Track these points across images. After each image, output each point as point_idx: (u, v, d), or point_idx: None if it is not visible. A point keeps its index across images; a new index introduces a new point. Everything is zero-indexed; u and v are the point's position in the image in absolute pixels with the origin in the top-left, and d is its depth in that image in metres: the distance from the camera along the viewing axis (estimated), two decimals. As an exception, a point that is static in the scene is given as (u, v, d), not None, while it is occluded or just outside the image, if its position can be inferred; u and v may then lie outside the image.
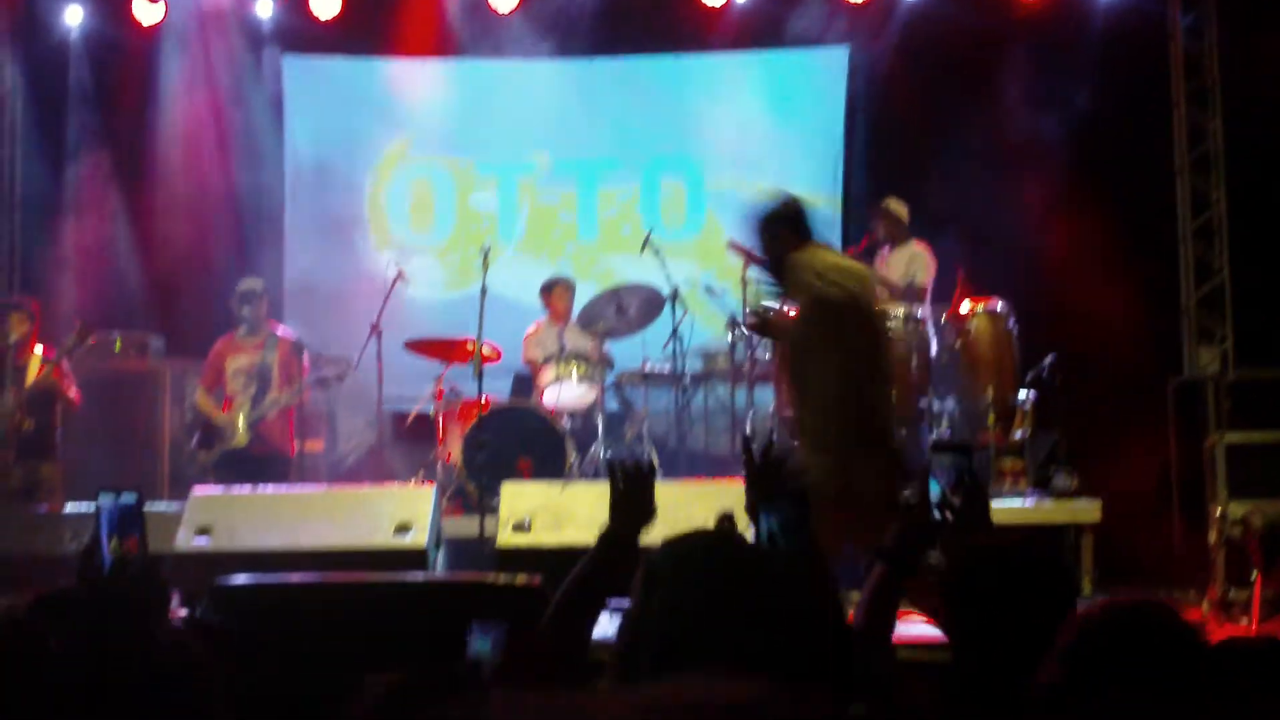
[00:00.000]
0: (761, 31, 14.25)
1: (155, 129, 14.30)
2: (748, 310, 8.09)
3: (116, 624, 3.19)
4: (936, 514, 4.25)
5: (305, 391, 11.83)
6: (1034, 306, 12.04)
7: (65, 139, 14.36)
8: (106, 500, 4.61)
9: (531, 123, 14.80)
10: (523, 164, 14.88)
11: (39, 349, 11.63)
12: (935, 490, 4.27)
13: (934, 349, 11.80)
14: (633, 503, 4.15)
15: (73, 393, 11.64)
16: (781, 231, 8.34)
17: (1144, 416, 12.26)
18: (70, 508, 11.07)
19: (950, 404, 11.83)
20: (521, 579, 6.55)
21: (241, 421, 11.60)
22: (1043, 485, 11.38)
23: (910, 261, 12.12)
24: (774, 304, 8.40)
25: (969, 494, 4.28)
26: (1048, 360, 11.78)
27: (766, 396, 12.21)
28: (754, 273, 11.91)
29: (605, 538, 4.08)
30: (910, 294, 11.93)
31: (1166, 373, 12.53)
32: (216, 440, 11.68)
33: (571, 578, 4.00)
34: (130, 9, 13.90)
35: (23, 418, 11.49)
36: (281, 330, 12.06)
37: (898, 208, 12.27)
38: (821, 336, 8.13)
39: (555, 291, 12.79)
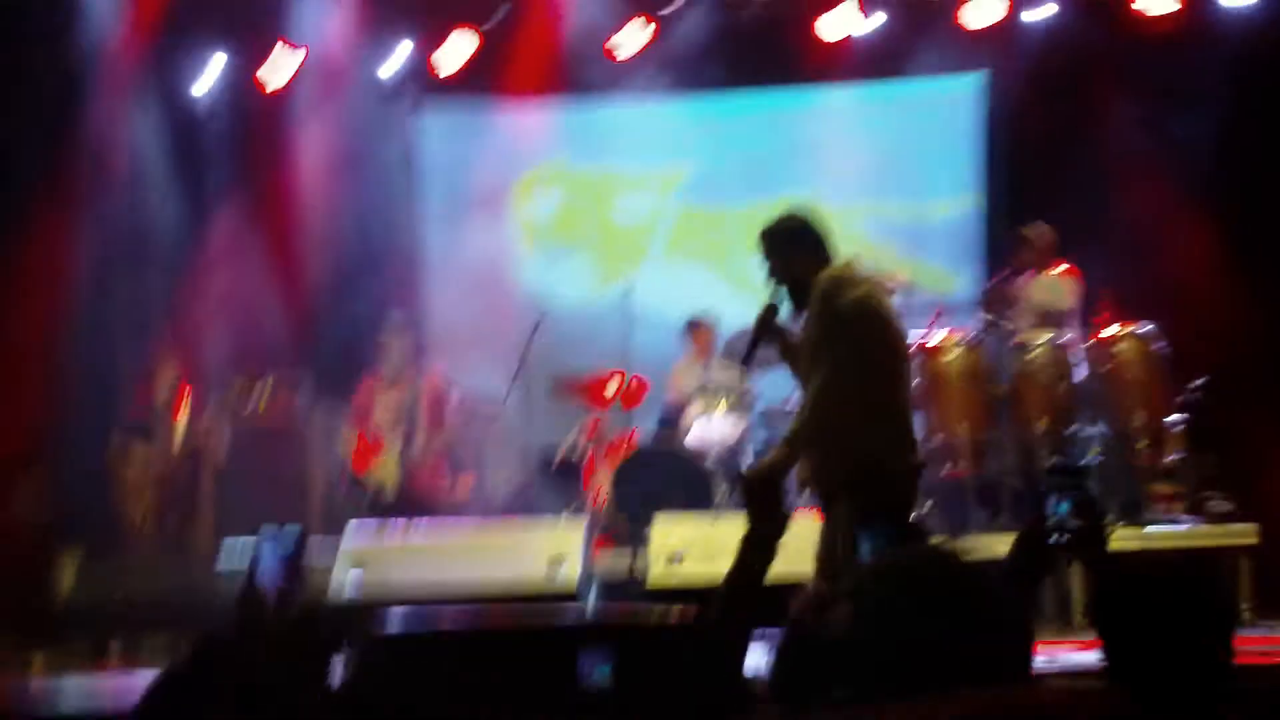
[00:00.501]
0: (891, 62, 14.23)
1: (291, 181, 14.46)
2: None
3: (275, 674, 3.20)
4: (1053, 537, 4.21)
5: (454, 431, 11.90)
6: (1183, 327, 11.86)
7: (204, 190, 14.57)
8: (268, 535, 4.67)
9: (665, 157, 14.92)
10: (663, 197, 14.99)
11: (187, 396, 11.83)
12: (1052, 513, 4.23)
13: (1081, 373, 11.68)
14: (764, 507, 4.16)
15: (221, 451, 11.82)
16: (798, 251, 7.41)
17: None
18: (223, 553, 11.28)
19: (1100, 428, 11.69)
20: (676, 612, 6.56)
21: (393, 463, 11.67)
22: (1197, 509, 11.20)
23: (1054, 286, 12.02)
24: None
25: (1086, 517, 4.23)
26: (1199, 382, 11.61)
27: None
28: (897, 300, 11.90)
29: (746, 539, 4.11)
30: (1055, 319, 11.82)
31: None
32: (364, 480, 11.76)
33: (723, 589, 4.01)
34: (264, 63, 14.13)
35: (175, 470, 11.69)
36: (428, 368, 12.14)
37: (1037, 233, 12.17)
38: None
39: (697, 331, 12.78)
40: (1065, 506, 4.25)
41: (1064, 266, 12.08)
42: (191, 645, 3.53)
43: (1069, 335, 11.72)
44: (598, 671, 4.15)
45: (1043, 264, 12.12)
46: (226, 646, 3.75)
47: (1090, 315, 11.87)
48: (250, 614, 4.52)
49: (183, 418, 11.75)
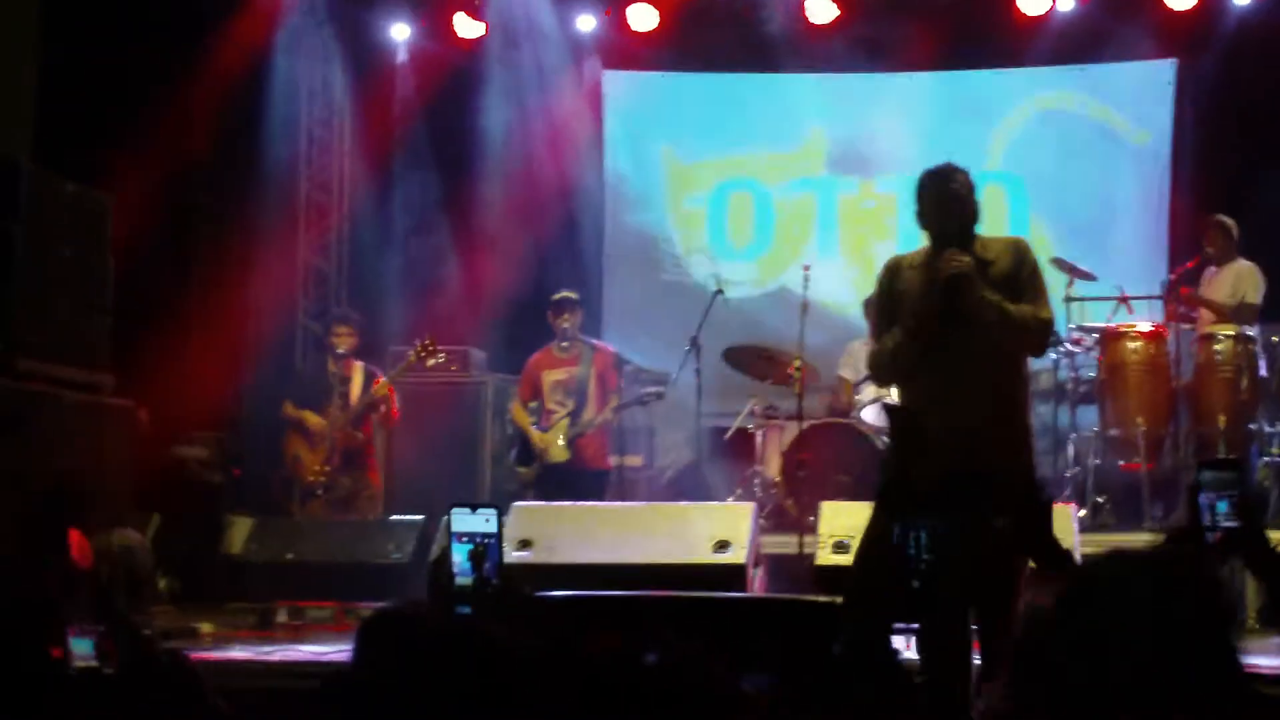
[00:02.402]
0: (1084, 46, 14.00)
1: (478, 144, 14.56)
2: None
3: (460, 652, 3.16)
4: (1207, 534, 4.06)
5: (623, 407, 11.90)
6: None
7: (390, 154, 14.73)
8: (460, 514, 4.64)
9: (849, 136, 14.79)
10: (842, 178, 14.87)
11: (361, 364, 11.96)
12: (1207, 511, 4.09)
13: (1263, 370, 11.44)
14: (909, 444, 4.07)
15: (395, 410, 11.96)
16: (974, 205, 7.00)
17: None
18: (394, 518, 11.38)
19: (1280, 426, 11.47)
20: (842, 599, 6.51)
21: (561, 438, 11.67)
22: None
23: (1238, 279, 11.74)
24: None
25: (1243, 513, 4.09)
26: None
27: (1090, 416, 11.97)
28: (1079, 289, 11.74)
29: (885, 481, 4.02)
30: (1239, 314, 11.57)
31: None
32: (535, 456, 11.79)
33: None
34: (452, 25, 14.25)
35: (352, 430, 11.81)
36: (598, 343, 12.13)
37: (1221, 226, 11.90)
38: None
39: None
40: (1223, 505, 4.12)
41: (1247, 259, 11.79)
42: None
43: (1253, 330, 11.46)
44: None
45: (1225, 257, 11.84)
46: (413, 612, 3.74)
47: (1275, 310, 11.62)
48: (440, 589, 4.49)
49: (359, 375, 11.86)
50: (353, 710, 3.08)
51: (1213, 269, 11.93)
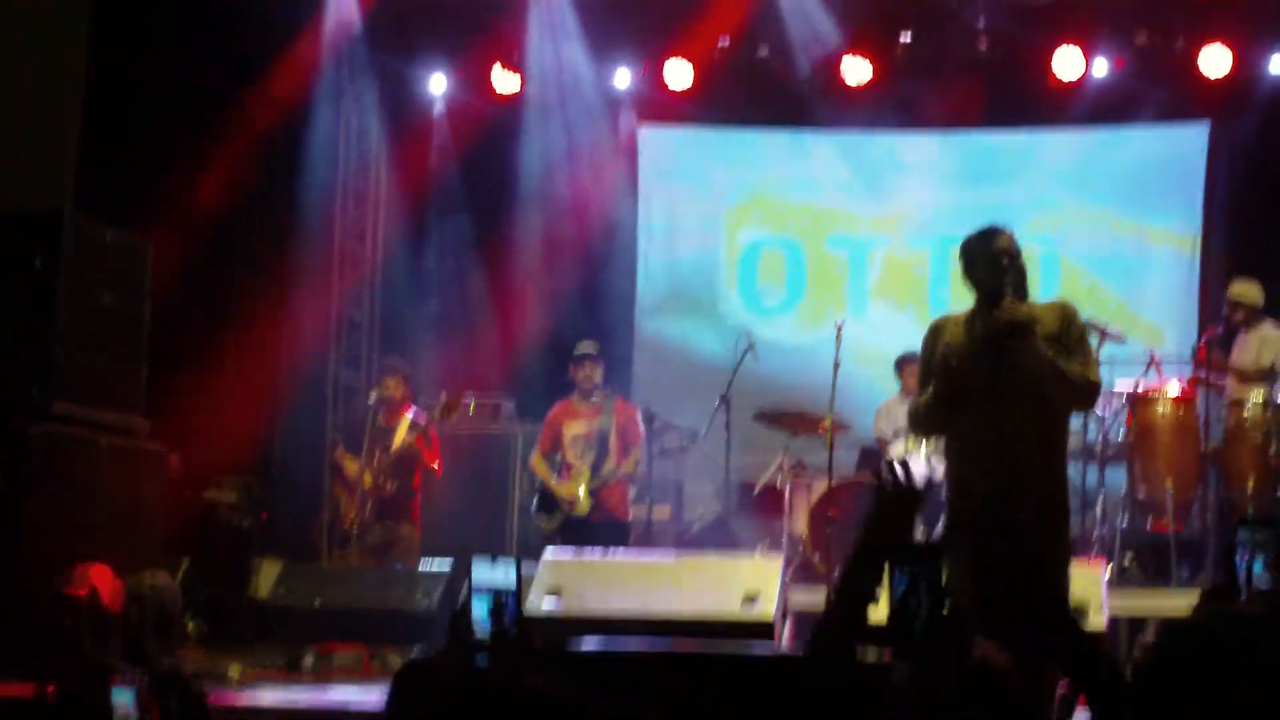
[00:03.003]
0: (1119, 108, 14.06)
1: (513, 195, 14.66)
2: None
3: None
4: (1243, 595, 4.08)
5: (645, 460, 11.93)
6: None
7: (426, 204, 14.84)
8: (481, 565, 4.68)
9: (881, 193, 14.87)
10: (874, 236, 14.96)
11: (410, 413, 11.98)
12: (1243, 569, 4.11)
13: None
14: (890, 519, 4.06)
15: (436, 463, 11.99)
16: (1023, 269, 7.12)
17: None
18: (424, 565, 11.42)
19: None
20: (871, 654, 6.53)
21: (582, 490, 11.69)
22: None
23: (1263, 344, 11.74)
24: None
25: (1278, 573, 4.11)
26: None
27: (1119, 477, 11.97)
28: (1108, 351, 11.75)
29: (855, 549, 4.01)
30: (1265, 377, 11.59)
31: None
32: (556, 507, 11.81)
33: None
34: (489, 78, 14.38)
35: (386, 479, 11.85)
36: (620, 396, 12.17)
37: (1243, 290, 11.92)
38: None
39: (908, 368, 12.63)
40: (1259, 564, 4.14)
41: (1274, 322, 11.80)
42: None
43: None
44: None
45: (1252, 320, 11.86)
46: (434, 666, 3.80)
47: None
48: (459, 640, 4.53)
49: (402, 429, 11.90)
50: None
51: (1240, 335, 11.95)
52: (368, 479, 11.79)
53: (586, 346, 12.00)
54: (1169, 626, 2.85)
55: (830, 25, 13.93)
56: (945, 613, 3.88)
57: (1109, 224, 14.44)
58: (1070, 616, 6.80)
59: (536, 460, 12.03)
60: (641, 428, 11.85)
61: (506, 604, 4.57)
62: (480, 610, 4.60)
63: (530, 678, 3.72)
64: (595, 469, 11.69)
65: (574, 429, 11.82)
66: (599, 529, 11.49)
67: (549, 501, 11.78)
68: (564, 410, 11.98)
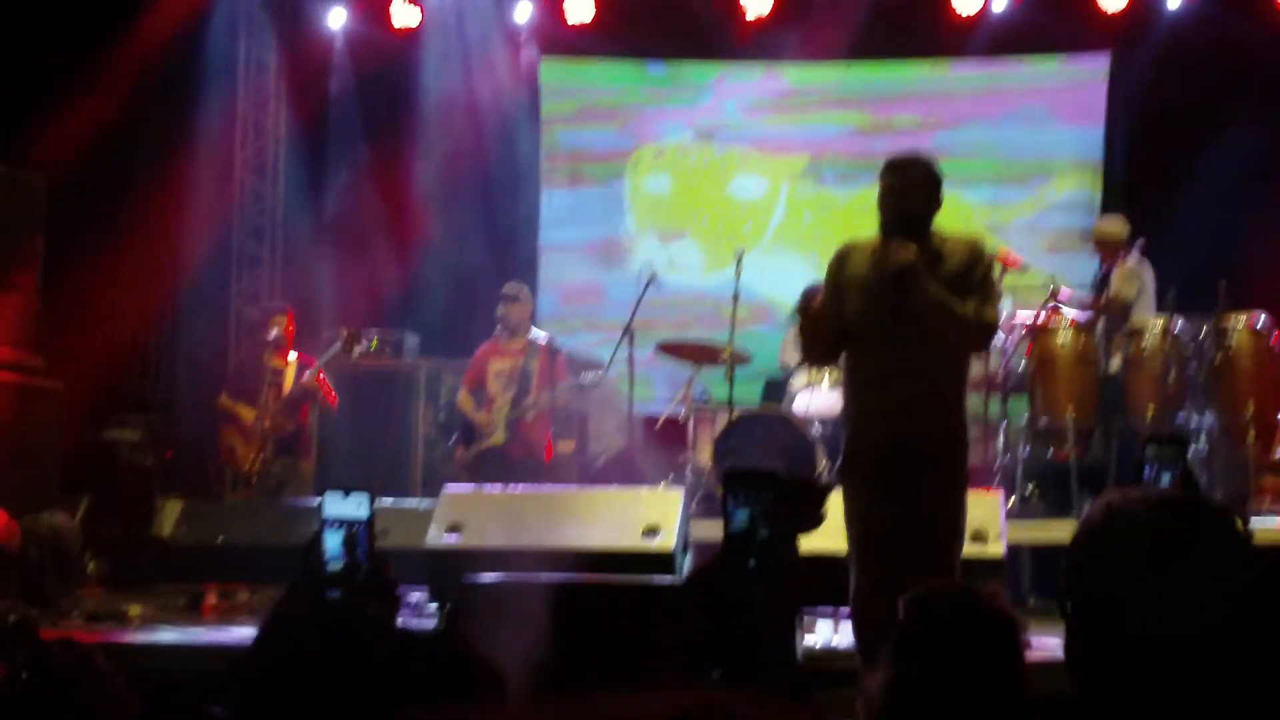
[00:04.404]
0: (1019, 38, 14.09)
1: (414, 129, 14.56)
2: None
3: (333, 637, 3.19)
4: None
5: (562, 395, 11.96)
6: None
7: (326, 138, 14.71)
8: (332, 499, 4.65)
9: (788, 123, 14.84)
10: (781, 160, 14.90)
11: (293, 354, 11.95)
12: (1150, 484, 4.13)
13: (1192, 363, 11.52)
14: (798, 507, 4.04)
15: (332, 397, 11.99)
16: (936, 198, 6.99)
17: None
18: (315, 501, 11.40)
19: (1209, 419, 11.52)
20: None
21: (500, 421, 11.75)
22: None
23: (1121, 278, 11.88)
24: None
25: (1187, 489, 4.13)
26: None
27: (1020, 407, 12.03)
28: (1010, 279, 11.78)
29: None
30: (1109, 308, 11.75)
31: None
32: (475, 439, 11.86)
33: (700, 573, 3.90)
34: (388, 11, 14.25)
35: (285, 418, 11.82)
36: (541, 335, 12.17)
37: (1104, 228, 12.09)
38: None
39: (817, 299, 12.63)
40: (1166, 478, 4.16)
41: (1135, 256, 11.89)
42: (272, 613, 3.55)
43: (1179, 322, 11.54)
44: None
45: (1117, 254, 11.97)
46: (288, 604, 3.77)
47: (1205, 304, 11.70)
48: (308, 577, 4.48)
49: (291, 367, 11.86)
50: (250, 693, 3.12)
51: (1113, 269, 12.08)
52: (266, 421, 11.76)
53: (513, 288, 12.06)
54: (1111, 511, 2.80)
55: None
56: (781, 545, 3.88)
57: (1010, 156, 14.49)
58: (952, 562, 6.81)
59: (462, 396, 12.14)
60: (562, 366, 11.90)
61: (359, 536, 4.53)
62: (334, 543, 4.56)
63: (373, 609, 3.70)
64: (514, 403, 11.74)
65: (498, 366, 11.92)
66: (515, 463, 11.54)
67: (469, 434, 11.86)
68: (489, 349, 12.07)
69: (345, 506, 4.45)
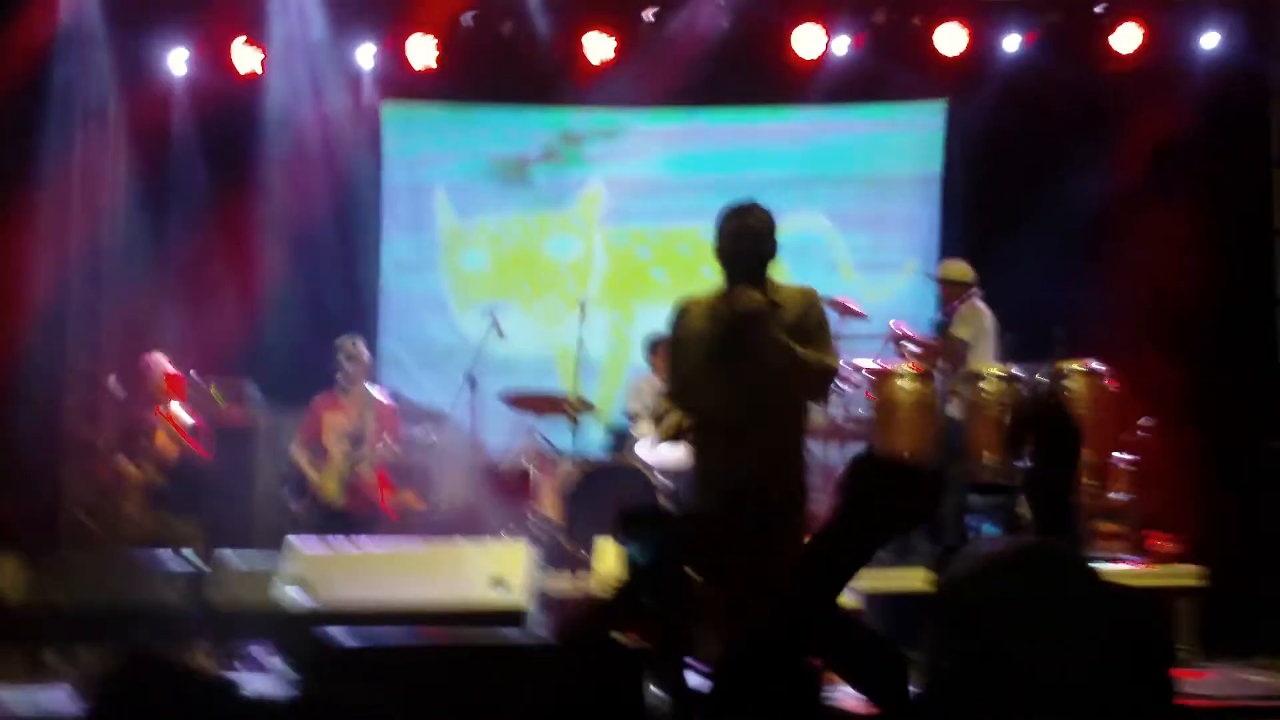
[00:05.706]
0: (859, 86, 14.24)
1: (256, 173, 14.40)
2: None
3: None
4: None
5: (399, 449, 11.92)
6: (1135, 367, 11.87)
7: (164, 180, 14.49)
8: (168, 554, 4.63)
9: (622, 174, 14.92)
10: (617, 225, 14.99)
11: (173, 405, 11.80)
12: (975, 534, 4.21)
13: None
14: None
15: (204, 449, 11.84)
16: (772, 250, 7.13)
17: (1245, 478, 12.13)
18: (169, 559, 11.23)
19: (1046, 464, 11.66)
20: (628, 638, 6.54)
21: (335, 477, 11.67)
22: (1139, 549, 11.24)
23: (961, 320, 12.09)
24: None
25: (1014, 533, 4.21)
26: (1144, 421, 11.68)
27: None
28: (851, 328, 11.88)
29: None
30: (948, 351, 11.95)
31: (1269, 435, 12.36)
32: (308, 493, 11.77)
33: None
34: (229, 53, 14.12)
35: (157, 472, 11.65)
36: (379, 390, 12.11)
37: (949, 272, 12.32)
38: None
39: (660, 349, 12.69)
40: (989, 526, 4.24)
41: (975, 299, 12.11)
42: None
43: (1014, 369, 11.71)
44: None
45: (959, 297, 12.17)
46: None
47: (1041, 350, 11.89)
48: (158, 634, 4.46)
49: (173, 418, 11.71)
50: None
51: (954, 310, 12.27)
52: (138, 474, 11.61)
53: (350, 341, 12.01)
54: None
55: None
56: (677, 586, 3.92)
57: (846, 205, 14.65)
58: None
59: (296, 449, 12.05)
60: (399, 414, 11.87)
61: (195, 591, 4.53)
62: (172, 598, 4.55)
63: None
64: (351, 457, 11.66)
65: (334, 421, 11.85)
66: (350, 516, 11.49)
67: (301, 488, 11.77)
68: (326, 402, 12.04)
69: (180, 561, 4.44)
